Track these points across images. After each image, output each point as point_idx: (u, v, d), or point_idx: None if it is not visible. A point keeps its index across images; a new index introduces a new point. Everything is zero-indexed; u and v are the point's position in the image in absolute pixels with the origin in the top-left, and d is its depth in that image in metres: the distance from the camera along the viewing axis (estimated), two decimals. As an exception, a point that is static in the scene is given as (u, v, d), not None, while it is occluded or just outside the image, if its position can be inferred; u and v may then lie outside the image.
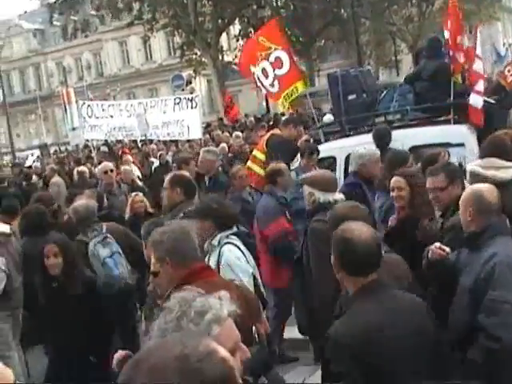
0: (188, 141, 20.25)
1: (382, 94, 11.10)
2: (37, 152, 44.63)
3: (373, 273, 3.80)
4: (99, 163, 18.39)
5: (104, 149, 23.63)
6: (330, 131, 11.48)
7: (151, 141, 20.82)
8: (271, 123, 22.72)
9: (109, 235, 7.42)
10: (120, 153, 20.19)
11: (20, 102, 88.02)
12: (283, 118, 17.04)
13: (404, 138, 9.07)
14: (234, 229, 5.81)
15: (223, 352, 1.83)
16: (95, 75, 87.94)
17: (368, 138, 9.31)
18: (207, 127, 28.46)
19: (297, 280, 6.38)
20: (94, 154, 21.03)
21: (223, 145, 17.41)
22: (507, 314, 4.25)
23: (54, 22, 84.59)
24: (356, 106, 10.72)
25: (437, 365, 3.77)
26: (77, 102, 28.39)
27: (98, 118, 18.86)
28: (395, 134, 9.18)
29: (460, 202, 4.84)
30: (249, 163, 11.18)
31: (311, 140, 11.15)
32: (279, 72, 13.33)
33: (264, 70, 13.44)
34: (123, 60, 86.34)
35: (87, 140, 22.09)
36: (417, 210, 5.96)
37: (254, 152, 11.36)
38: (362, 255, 3.73)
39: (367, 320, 3.66)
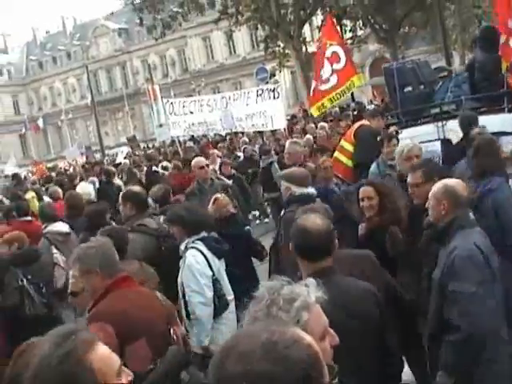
0: (272, 133, 20.14)
1: (438, 85, 10.90)
2: (126, 149, 45.44)
3: (324, 260, 4.06)
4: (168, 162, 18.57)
5: (190, 144, 23.78)
6: (389, 123, 11.34)
7: (237, 134, 20.85)
8: (355, 113, 22.39)
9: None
10: (202, 148, 20.25)
11: (107, 101, 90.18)
12: (371, 109, 16.80)
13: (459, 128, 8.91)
14: (202, 234, 6.30)
15: (309, 339, 1.88)
16: (180, 71, 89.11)
17: (424, 129, 9.45)
18: (292, 119, 28.29)
19: (273, 260, 7.14)
20: (180, 150, 21.18)
21: (309, 136, 17.21)
22: (465, 304, 4.52)
23: (139, 21, 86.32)
24: (412, 98, 10.58)
25: (377, 353, 4.04)
26: (162, 98, 28.70)
27: (177, 115, 19.11)
28: (450, 124, 9.29)
29: (431, 196, 5.07)
30: (336, 154, 11.01)
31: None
32: (337, 66, 13.36)
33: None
34: (207, 55, 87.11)
35: (172, 136, 22.27)
36: (386, 217, 6.21)
37: (342, 142, 11.18)
38: (314, 242, 4.03)
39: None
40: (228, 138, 22.88)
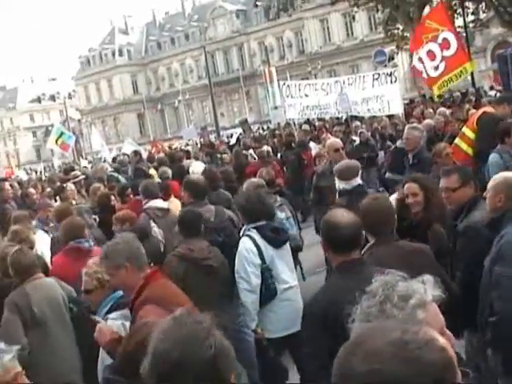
0: (389, 118, 19.75)
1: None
2: (240, 130, 45.83)
3: (353, 252, 4.18)
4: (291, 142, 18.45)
5: (306, 127, 23.65)
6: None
7: (356, 118, 20.61)
8: (474, 99, 21.66)
9: (284, 202, 8.35)
10: (317, 132, 20.09)
11: (224, 82, 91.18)
12: (498, 96, 16.15)
13: None
14: (260, 223, 6.40)
15: (442, 341, 1.75)
16: (296, 54, 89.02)
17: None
18: (410, 103, 27.67)
19: None
20: (296, 133, 21.11)
21: (428, 121, 16.73)
22: (506, 287, 4.53)
23: (257, 3, 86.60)
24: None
25: None
26: (278, 80, 28.69)
27: (293, 97, 19.08)
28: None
29: (490, 188, 5.20)
30: (456, 140, 10.62)
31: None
32: (447, 53, 13.03)
33: (430, 52, 13.05)
34: (324, 37, 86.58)
35: (288, 118, 22.23)
36: (430, 213, 6.05)
37: (464, 129, 10.77)
38: (342, 234, 4.15)
39: (333, 294, 4.02)
40: (345, 121, 22.58)
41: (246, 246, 6.35)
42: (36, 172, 39.56)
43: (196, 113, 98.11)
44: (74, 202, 10.81)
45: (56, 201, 12.49)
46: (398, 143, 12.80)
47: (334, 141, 10.72)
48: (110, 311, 4.85)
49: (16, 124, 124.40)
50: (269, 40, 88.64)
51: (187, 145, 36.69)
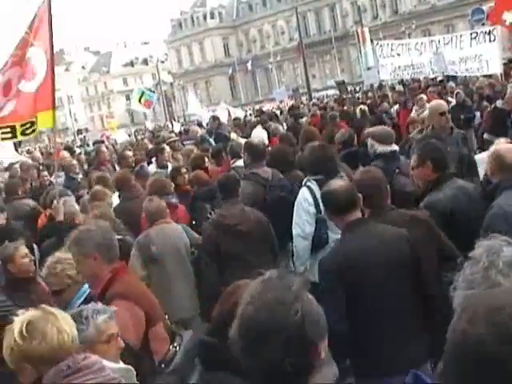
0: (487, 77, 19.09)
1: None
2: (332, 92, 45.37)
3: (353, 212, 4.63)
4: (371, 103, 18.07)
5: (400, 88, 23.17)
6: None
7: (451, 78, 20.03)
8: None
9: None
10: (409, 94, 19.58)
11: (315, 43, 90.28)
12: None
13: None
14: (320, 176, 6.56)
15: None
16: (390, 13, 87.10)
17: None
18: (509, 63, 26.63)
19: None
20: (389, 94, 20.71)
21: (528, 81, 16.10)
22: None
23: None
24: None
25: (413, 291, 4.43)
26: (372, 41, 28.15)
27: (385, 57, 18.67)
28: None
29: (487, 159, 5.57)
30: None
31: None
32: None
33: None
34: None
35: (382, 80, 21.80)
36: None
37: None
38: (338, 198, 4.65)
39: (346, 249, 4.55)
40: (439, 82, 21.96)
41: (303, 195, 6.67)
42: (129, 135, 40.29)
43: (287, 75, 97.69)
44: (169, 164, 10.96)
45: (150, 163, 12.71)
46: (498, 103, 12.34)
47: (438, 103, 9.53)
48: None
49: (110, 88, 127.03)
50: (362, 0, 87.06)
51: (278, 108, 36.55)
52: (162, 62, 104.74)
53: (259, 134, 13.40)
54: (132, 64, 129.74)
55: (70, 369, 2.77)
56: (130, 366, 3.46)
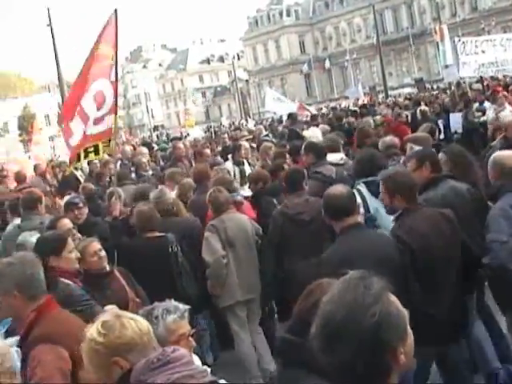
0: None
1: None
2: (408, 90, 44.74)
3: (350, 217, 5.12)
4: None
5: (477, 86, 22.66)
6: None
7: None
8: None
9: None
10: (490, 92, 19.11)
11: (392, 41, 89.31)
12: None
13: None
14: (369, 178, 6.83)
15: None
16: (468, 10, 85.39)
17: None
18: None
19: None
20: (470, 92, 20.28)
21: None
22: (497, 251, 5.20)
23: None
24: None
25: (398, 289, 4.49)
26: (450, 38, 27.63)
27: (467, 54, 18.21)
28: None
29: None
30: None
31: None
32: None
33: None
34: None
35: (461, 78, 21.35)
36: None
37: None
38: (336, 203, 5.16)
39: (340, 250, 5.09)
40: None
41: None
42: (205, 132, 40.62)
43: (363, 72, 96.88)
44: (245, 162, 11.04)
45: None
46: None
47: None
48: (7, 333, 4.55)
49: (186, 85, 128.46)
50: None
51: (355, 105, 36.24)
52: (238, 59, 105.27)
53: (314, 133, 13.39)
54: (208, 61, 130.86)
55: (160, 361, 2.79)
56: (205, 367, 3.47)
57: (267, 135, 17.28)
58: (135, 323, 2.95)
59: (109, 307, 5.23)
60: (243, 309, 7.41)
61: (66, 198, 8.91)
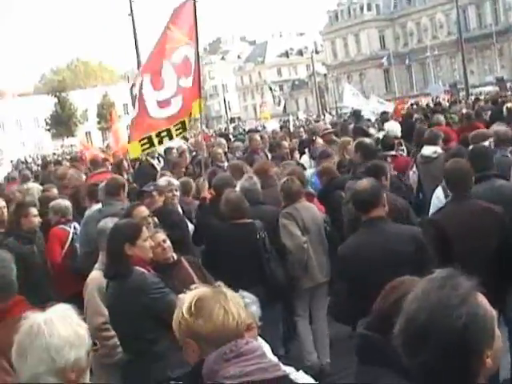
0: None
1: None
2: (490, 88, 43.73)
3: (374, 211, 5.45)
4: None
5: None
6: None
7: None
8: None
9: None
10: None
11: (475, 38, 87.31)
12: None
13: None
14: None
15: None
16: None
17: None
18: None
19: None
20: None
21: None
22: None
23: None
24: None
25: None
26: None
27: None
28: None
29: None
30: None
31: None
32: None
33: None
34: None
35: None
36: None
37: None
38: (360, 197, 5.55)
39: (354, 243, 5.62)
40: None
41: (436, 193, 7.48)
42: (281, 126, 40.58)
43: (444, 69, 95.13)
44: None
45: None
46: None
47: None
48: None
49: (264, 78, 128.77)
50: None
51: (437, 103, 35.60)
52: (317, 53, 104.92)
53: (393, 128, 13.43)
54: (287, 54, 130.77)
55: (232, 353, 2.75)
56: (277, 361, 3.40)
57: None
58: (224, 317, 2.84)
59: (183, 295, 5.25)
60: (308, 292, 7.84)
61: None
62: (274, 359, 3.82)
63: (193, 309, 2.84)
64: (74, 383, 2.85)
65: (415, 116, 19.08)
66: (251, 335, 3.71)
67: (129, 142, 10.71)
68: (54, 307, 2.90)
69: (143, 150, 10.29)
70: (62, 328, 2.80)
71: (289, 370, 3.61)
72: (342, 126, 16.44)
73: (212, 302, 2.86)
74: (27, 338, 2.78)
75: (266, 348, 3.92)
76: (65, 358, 2.77)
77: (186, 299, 2.89)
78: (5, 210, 8.57)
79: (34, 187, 11.83)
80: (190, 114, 9.61)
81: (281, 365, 2.99)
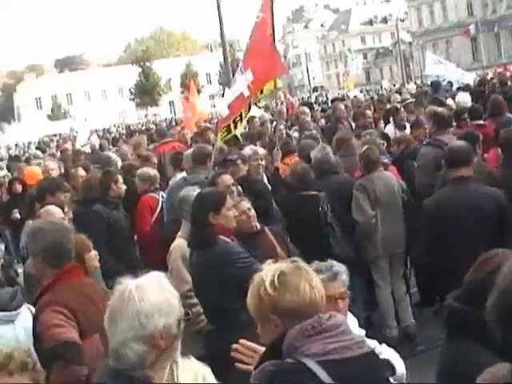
0: None
1: None
2: None
3: (462, 169, 5.72)
4: None
5: None
6: None
7: None
8: None
9: None
10: None
11: None
12: None
13: None
14: None
15: None
16: None
17: None
18: None
19: None
20: None
21: None
22: None
23: None
24: None
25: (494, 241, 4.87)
26: None
27: None
28: None
29: None
30: None
31: None
32: None
33: None
34: None
35: None
36: None
37: None
38: (452, 153, 5.90)
39: (439, 198, 6.02)
40: None
41: None
42: (364, 95, 40.01)
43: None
44: (407, 125, 10.93)
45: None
46: None
47: None
48: None
49: (347, 46, 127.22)
50: None
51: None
52: (402, 20, 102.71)
53: (464, 99, 13.48)
54: (371, 22, 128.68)
55: (314, 329, 2.68)
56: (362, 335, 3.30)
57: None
58: (310, 291, 2.77)
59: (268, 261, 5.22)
60: (386, 262, 7.97)
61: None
62: (361, 332, 3.75)
63: (276, 283, 2.77)
64: (164, 351, 2.85)
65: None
66: (345, 304, 3.67)
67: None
68: (147, 274, 2.92)
69: (222, 138, 10.40)
70: (152, 294, 2.80)
71: (373, 344, 3.53)
72: (417, 96, 16.10)
73: (295, 276, 2.80)
74: (118, 303, 2.80)
75: (352, 321, 3.84)
76: (154, 325, 2.77)
77: (265, 274, 2.83)
78: (81, 179, 9.07)
79: (115, 156, 12.17)
80: (262, 91, 9.69)
81: (365, 341, 2.91)
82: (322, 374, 2.58)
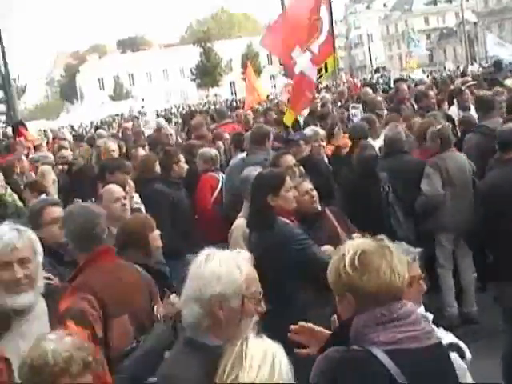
0: None
1: None
2: None
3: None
4: None
5: None
6: None
7: None
8: None
9: None
10: None
11: None
12: None
13: None
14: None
15: None
16: None
17: None
18: None
19: None
20: None
21: None
22: None
23: None
24: None
25: None
26: None
27: None
28: None
29: None
30: None
31: None
32: None
33: None
34: None
35: None
36: None
37: None
38: (504, 137, 6.13)
39: (490, 180, 6.35)
40: None
41: None
42: (428, 75, 39.32)
43: None
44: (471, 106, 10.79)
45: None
46: None
47: None
48: None
49: (411, 27, 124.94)
50: None
51: None
52: (467, 0, 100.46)
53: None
54: (435, 2, 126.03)
55: (385, 317, 2.63)
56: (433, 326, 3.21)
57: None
58: (390, 275, 2.69)
59: (326, 247, 5.17)
60: (450, 242, 7.94)
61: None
62: (429, 316, 3.63)
63: (356, 263, 2.70)
64: (223, 323, 2.91)
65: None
66: (422, 286, 3.64)
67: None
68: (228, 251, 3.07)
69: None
70: (216, 263, 2.92)
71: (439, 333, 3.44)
72: (477, 78, 15.87)
73: (377, 257, 2.71)
74: (192, 267, 2.96)
75: (421, 309, 3.73)
76: (210, 291, 2.87)
77: (347, 251, 2.75)
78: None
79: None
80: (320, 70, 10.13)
81: (434, 331, 2.83)
82: (389, 363, 2.52)
